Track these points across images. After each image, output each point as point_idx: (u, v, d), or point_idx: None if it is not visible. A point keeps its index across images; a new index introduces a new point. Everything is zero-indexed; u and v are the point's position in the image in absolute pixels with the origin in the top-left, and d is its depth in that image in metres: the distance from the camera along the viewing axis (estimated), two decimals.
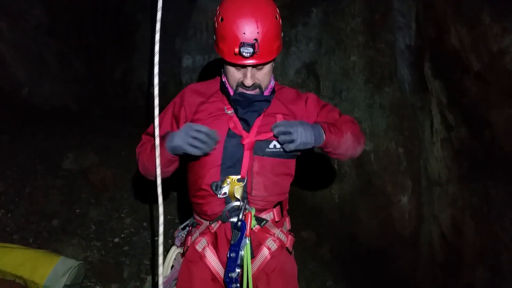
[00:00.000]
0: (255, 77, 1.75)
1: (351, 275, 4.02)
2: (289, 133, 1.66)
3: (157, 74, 1.60)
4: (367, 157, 3.94)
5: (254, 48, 1.62)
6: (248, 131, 1.80)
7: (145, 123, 5.59)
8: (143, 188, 4.38)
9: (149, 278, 3.39)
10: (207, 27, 5.45)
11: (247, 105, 1.80)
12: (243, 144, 1.78)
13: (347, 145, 1.84)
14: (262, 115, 1.83)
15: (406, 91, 3.88)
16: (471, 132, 3.45)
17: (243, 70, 1.74)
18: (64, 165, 4.29)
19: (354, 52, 3.98)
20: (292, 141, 1.67)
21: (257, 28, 1.63)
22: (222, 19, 1.68)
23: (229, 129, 1.80)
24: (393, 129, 3.85)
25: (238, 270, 1.71)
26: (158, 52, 1.57)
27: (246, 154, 1.78)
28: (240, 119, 1.81)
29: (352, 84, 4.00)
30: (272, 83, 1.92)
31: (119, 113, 6.07)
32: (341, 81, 4.07)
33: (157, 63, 1.59)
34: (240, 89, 1.78)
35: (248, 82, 1.73)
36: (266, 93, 1.86)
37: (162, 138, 1.74)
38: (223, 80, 1.89)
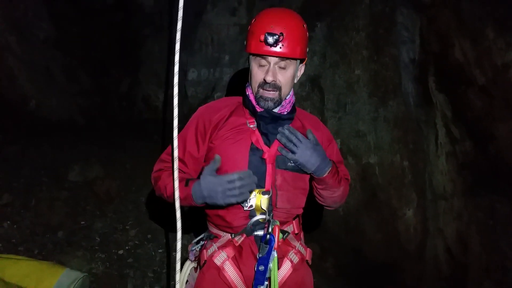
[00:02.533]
0: (277, 77, 1.79)
1: None
2: (295, 146, 1.77)
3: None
4: (371, 170, 3.94)
5: (278, 38, 1.70)
6: (269, 145, 1.85)
7: (150, 136, 5.64)
8: (148, 200, 4.39)
9: None
10: (213, 41, 5.51)
11: (270, 121, 1.87)
12: (264, 158, 1.83)
13: (333, 195, 1.98)
14: None
15: (411, 105, 3.89)
16: (476, 146, 3.45)
17: (266, 67, 1.80)
18: (69, 177, 4.31)
19: (358, 66, 4.01)
20: (293, 153, 1.79)
21: (284, 25, 1.73)
22: (255, 20, 1.81)
23: (251, 143, 1.84)
24: (397, 143, 3.86)
25: (266, 283, 1.71)
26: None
27: (269, 167, 1.83)
28: (262, 133, 1.86)
29: (357, 97, 4.03)
30: (293, 99, 1.97)
31: (124, 126, 6.09)
32: (345, 95, 4.09)
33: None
34: (261, 91, 1.82)
35: (269, 78, 1.78)
36: (287, 107, 1.93)
37: (186, 184, 1.77)
38: (247, 93, 1.93)
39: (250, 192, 1.73)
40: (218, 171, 1.83)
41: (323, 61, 4.22)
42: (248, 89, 1.93)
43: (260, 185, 1.80)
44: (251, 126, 1.88)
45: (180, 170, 1.90)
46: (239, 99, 2.01)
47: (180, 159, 1.91)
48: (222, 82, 5.35)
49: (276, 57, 1.76)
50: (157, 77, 6.34)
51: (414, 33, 3.91)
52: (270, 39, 1.69)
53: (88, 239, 3.71)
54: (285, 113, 1.91)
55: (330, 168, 1.84)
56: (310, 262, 1.97)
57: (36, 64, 5.58)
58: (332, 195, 1.96)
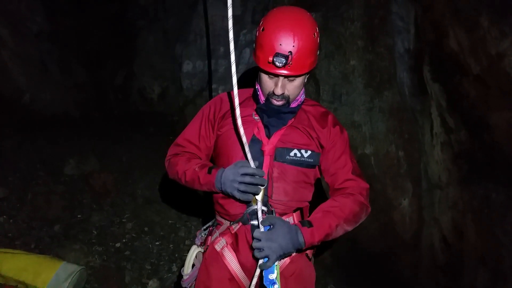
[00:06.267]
0: (286, 87, 1.81)
1: (352, 279, 4.02)
2: (262, 249, 1.65)
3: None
4: (367, 160, 3.94)
5: (287, 60, 1.68)
6: (269, 138, 1.88)
7: (146, 129, 5.63)
8: (144, 193, 4.39)
9: (151, 282, 3.40)
10: (208, 32, 5.48)
11: (273, 114, 1.88)
12: (263, 150, 1.85)
13: (336, 236, 1.84)
14: (287, 126, 1.91)
15: (406, 95, 3.89)
16: (471, 135, 3.46)
17: (275, 79, 1.80)
18: (65, 170, 4.31)
19: (354, 56, 4.00)
20: (267, 258, 1.66)
21: (294, 41, 1.69)
22: (263, 29, 1.76)
23: (253, 134, 1.87)
24: (393, 133, 3.86)
25: (276, 271, 1.73)
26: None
27: (266, 159, 1.85)
28: (265, 126, 1.89)
29: (352, 88, 4.01)
30: (302, 97, 1.98)
31: (120, 119, 6.09)
32: (340, 85, 4.08)
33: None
34: (271, 99, 1.85)
35: (278, 91, 1.79)
36: (294, 104, 1.93)
37: (209, 172, 1.81)
38: (257, 87, 1.95)
39: (254, 195, 1.73)
40: (220, 158, 1.94)
41: (318, 51, 4.20)
42: (258, 83, 1.95)
43: None
44: (256, 118, 1.92)
45: (196, 156, 1.99)
46: (251, 91, 2.04)
47: (195, 145, 2.00)
48: (218, 74, 5.33)
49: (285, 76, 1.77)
50: (152, 69, 6.31)
51: (409, 23, 3.89)
52: (278, 64, 1.69)
53: (85, 232, 3.73)
54: (288, 107, 1.92)
55: (303, 233, 1.72)
56: (310, 256, 1.99)
57: (30, 57, 5.56)
58: (334, 237, 1.83)
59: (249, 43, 5.04)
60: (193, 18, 5.58)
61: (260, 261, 1.68)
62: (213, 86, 5.29)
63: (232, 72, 1.64)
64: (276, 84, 1.79)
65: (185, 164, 1.92)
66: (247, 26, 5.18)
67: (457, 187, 3.62)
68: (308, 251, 1.97)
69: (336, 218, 1.80)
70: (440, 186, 3.77)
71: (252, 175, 1.70)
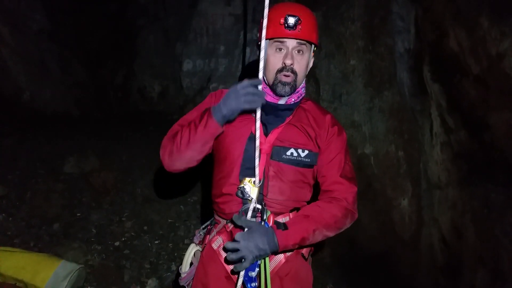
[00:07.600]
0: (295, 60, 1.85)
1: (351, 279, 4.02)
2: (237, 250, 1.62)
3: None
4: (367, 160, 3.95)
5: (297, 20, 1.78)
6: (267, 136, 1.87)
7: (146, 128, 5.63)
8: (144, 192, 4.39)
9: (150, 281, 3.40)
10: (208, 31, 5.48)
11: (270, 111, 1.90)
12: (260, 148, 1.82)
13: (315, 241, 1.80)
14: (285, 123, 1.90)
15: (406, 95, 3.89)
16: (470, 135, 3.46)
17: (284, 51, 1.84)
18: (65, 169, 4.31)
19: (354, 56, 4.00)
20: (243, 259, 1.62)
21: (300, 12, 1.83)
22: (269, 11, 1.82)
23: (251, 132, 1.87)
24: (392, 133, 3.86)
25: (257, 269, 1.73)
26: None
27: (263, 157, 1.84)
28: (262, 123, 1.88)
29: (352, 88, 4.02)
30: (303, 90, 1.99)
31: (120, 118, 6.09)
32: (340, 85, 4.08)
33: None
34: (279, 76, 1.85)
35: (288, 61, 1.82)
36: (295, 96, 1.94)
37: (203, 114, 1.80)
38: None
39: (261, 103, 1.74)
40: (218, 154, 1.93)
41: (318, 51, 4.21)
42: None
43: (253, 174, 1.81)
44: (253, 115, 1.89)
45: None
46: None
47: None
48: (218, 72, 5.34)
49: (296, 39, 1.82)
50: (152, 68, 6.32)
51: (409, 23, 3.89)
52: (291, 20, 1.77)
53: (84, 231, 3.73)
54: (287, 103, 1.93)
55: (277, 236, 1.68)
56: (306, 255, 1.96)
57: (30, 55, 5.56)
58: (312, 242, 1.80)
59: (250, 42, 5.05)
60: (193, 17, 5.58)
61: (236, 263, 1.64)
62: (213, 85, 5.29)
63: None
64: (286, 55, 1.83)
65: (186, 130, 1.88)
66: (247, 25, 5.18)
67: (457, 187, 3.62)
68: (304, 251, 1.95)
69: (315, 222, 1.76)
70: (440, 186, 3.76)
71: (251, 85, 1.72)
